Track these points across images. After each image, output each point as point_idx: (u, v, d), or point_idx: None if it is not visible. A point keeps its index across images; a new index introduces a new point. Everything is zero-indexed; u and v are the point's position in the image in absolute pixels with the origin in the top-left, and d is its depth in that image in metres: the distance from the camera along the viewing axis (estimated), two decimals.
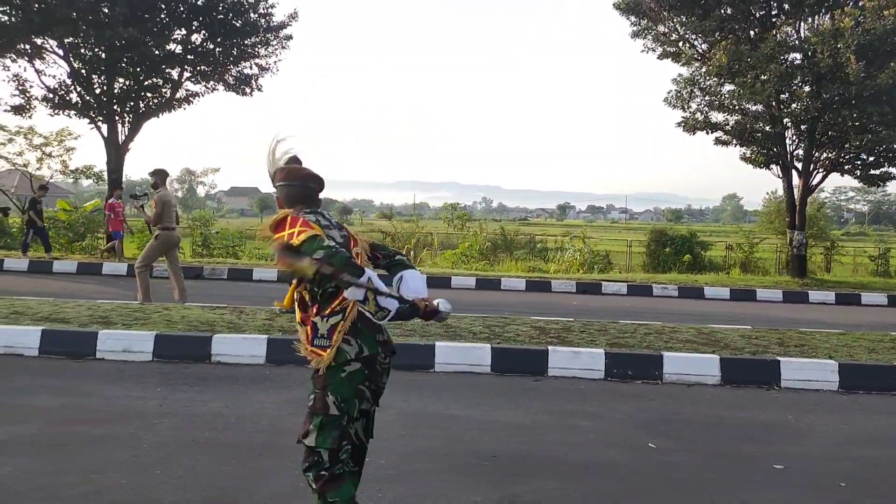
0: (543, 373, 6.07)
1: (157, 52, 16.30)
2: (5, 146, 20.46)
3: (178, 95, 17.22)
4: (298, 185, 2.80)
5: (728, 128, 15.67)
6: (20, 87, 16.92)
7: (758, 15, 15.29)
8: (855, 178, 16.49)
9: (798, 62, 14.03)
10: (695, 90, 15.53)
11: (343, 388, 2.57)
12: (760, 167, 16.51)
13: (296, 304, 2.70)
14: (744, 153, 16.64)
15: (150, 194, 9.42)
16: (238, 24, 16.04)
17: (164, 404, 4.86)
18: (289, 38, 17.68)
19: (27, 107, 16.82)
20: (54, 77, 16.79)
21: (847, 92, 13.36)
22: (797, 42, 14.24)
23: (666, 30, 16.50)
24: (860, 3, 12.88)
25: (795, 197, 16.19)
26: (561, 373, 6.07)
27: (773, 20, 15.19)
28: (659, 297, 14.06)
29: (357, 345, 2.59)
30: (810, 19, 14.55)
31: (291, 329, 6.72)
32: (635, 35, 18.23)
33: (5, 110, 16.82)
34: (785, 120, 15.38)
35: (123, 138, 16.86)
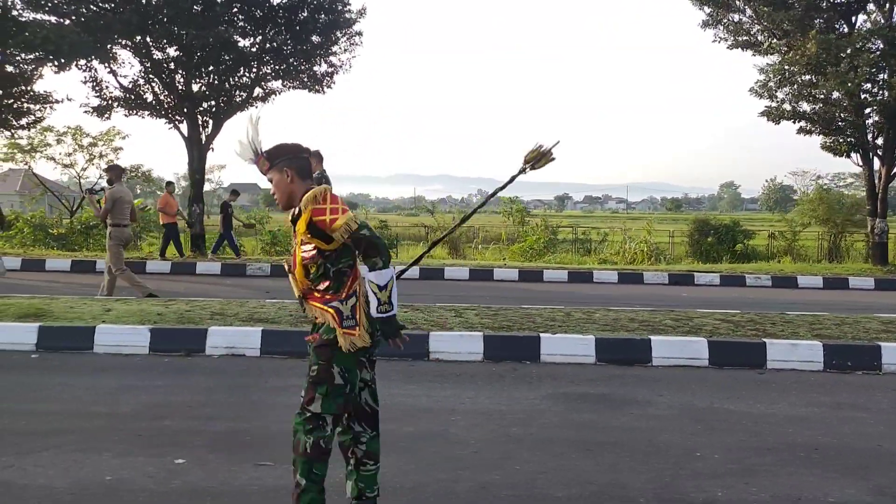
0: (762, 365, 6.06)
1: (238, 50, 16.23)
2: (51, 147, 20.62)
3: (255, 94, 17.16)
4: (305, 157, 2.89)
5: (815, 117, 15.58)
6: (97, 88, 16.92)
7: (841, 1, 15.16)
8: None
9: (881, 50, 13.88)
10: (783, 79, 15.41)
11: (347, 359, 2.73)
12: (842, 156, 16.42)
13: (304, 295, 2.85)
14: (825, 142, 16.55)
15: (104, 190, 9.45)
16: (320, 22, 15.92)
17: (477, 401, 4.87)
18: (359, 34, 17.60)
19: (107, 108, 16.81)
20: (125, 77, 16.77)
21: None
22: (887, 30, 14.12)
23: (745, 19, 16.40)
24: None
25: (877, 185, 16.11)
26: (780, 365, 6.04)
27: (854, 7, 15.09)
28: (753, 286, 14.01)
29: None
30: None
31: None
32: (705, 25, 18.13)
33: (85, 111, 16.84)
34: (867, 109, 15.30)
35: (205, 138, 16.83)
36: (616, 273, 14.60)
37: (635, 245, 21.15)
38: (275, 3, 16.11)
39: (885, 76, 14.30)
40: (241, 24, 15.85)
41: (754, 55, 17.75)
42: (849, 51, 14.32)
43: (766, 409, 4.86)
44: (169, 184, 16.45)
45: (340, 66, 17.44)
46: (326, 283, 2.79)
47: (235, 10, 15.40)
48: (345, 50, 17.31)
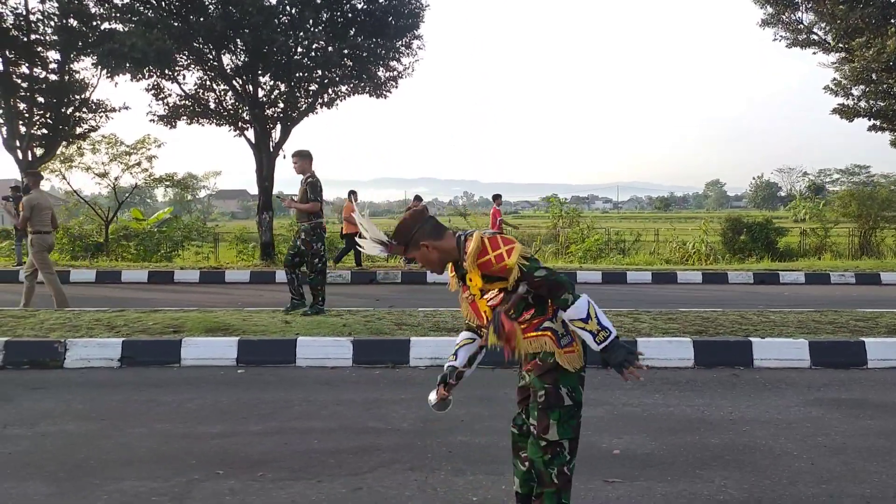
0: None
1: (306, 56, 16.07)
2: (84, 156, 20.42)
3: (321, 99, 16.99)
4: (430, 218, 2.79)
5: (890, 113, 15.59)
6: (160, 96, 16.76)
7: None
8: None
9: None
10: (859, 77, 15.42)
11: (571, 378, 2.64)
12: None
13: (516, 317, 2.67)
14: (895, 138, 16.57)
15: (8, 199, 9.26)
16: (392, 25, 15.75)
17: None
18: (420, 37, 17.43)
19: (173, 115, 16.65)
20: (186, 83, 16.60)
21: None
22: None
23: (814, 18, 16.44)
24: None
25: None
26: None
27: None
28: (837, 283, 13.98)
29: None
30: None
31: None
32: (765, 24, 18.18)
33: (151, 120, 16.68)
34: None
35: (273, 145, 16.66)
36: (700, 273, 14.53)
37: (692, 245, 21.19)
38: (357, 7, 15.91)
39: None
40: (313, 29, 15.64)
41: (815, 53, 17.82)
42: None
43: None
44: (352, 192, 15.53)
45: (405, 70, 17.32)
46: (532, 311, 2.67)
47: (311, 18, 15.17)
48: (408, 54, 17.19)
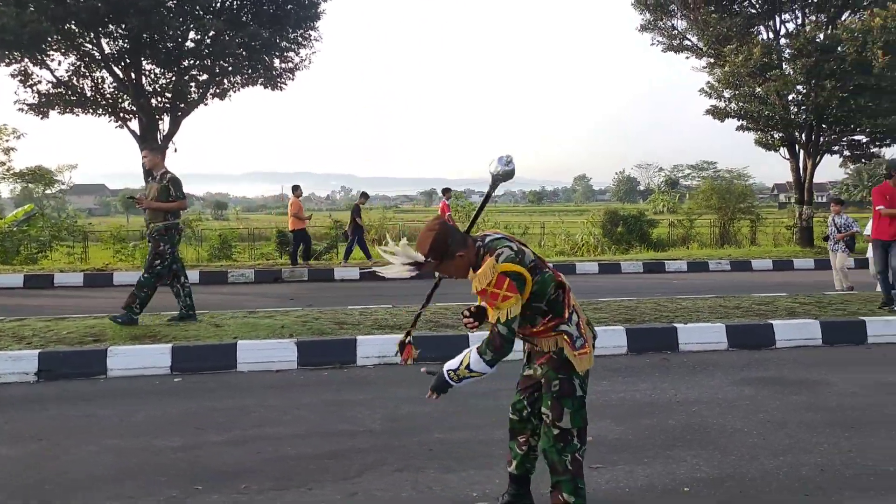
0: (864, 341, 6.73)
1: (188, 44, 15.20)
2: None
3: (213, 90, 16.16)
4: (454, 228, 2.80)
5: (754, 115, 17.08)
6: (27, 83, 15.25)
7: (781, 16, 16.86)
8: (843, 156, 18.56)
9: (815, 57, 15.49)
10: (728, 82, 16.79)
11: (576, 371, 2.78)
12: (772, 150, 18.15)
13: (529, 336, 2.86)
14: (759, 138, 18.20)
15: None
16: (291, 15, 15.21)
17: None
18: (317, 28, 16.98)
19: (44, 105, 15.18)
20: (54, 71, 15.17)
21: (868, 83, 15.07)
22: (821, 39, 15.80)
23: (686, 25, 17.71)
24: (887, 4, 14.57)
25: (802, 176, 17.97)
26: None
27: (788, 18, 16.81)
28: (715, 270, 15.22)
29: (589, 330, 2.88)
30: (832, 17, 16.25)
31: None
32: (644, 29, 19.37)
33: (20, 109, 15.12)
34: (792, 108, 17.02)
35: (162, 136, 15.63)
36: (596, 264, 15.28)
37: (580, 237, 22.22)
38: None
39: (815, 82, 15.95)
40: (207, 16, 14.81)
41: (688, 58, 19.24)
42: (786, 55, 15.88)
43: None
44: (296, 188, 15.05)
45: (301, 62, 16.85)
46: (549, 316, 2.78)
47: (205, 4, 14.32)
48: (306, 46, 16.73)
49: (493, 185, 3.04)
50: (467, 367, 2.77)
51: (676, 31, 18.77)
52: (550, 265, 2.91)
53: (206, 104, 16.66)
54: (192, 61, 15.47)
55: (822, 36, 15.77)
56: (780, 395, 5.10)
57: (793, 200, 19.65)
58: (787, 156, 18.12)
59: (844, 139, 17.73)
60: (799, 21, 17.23)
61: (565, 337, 2.76)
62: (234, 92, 16.61)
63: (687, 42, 18.65)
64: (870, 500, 3.30)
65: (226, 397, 5.12)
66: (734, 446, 4.03)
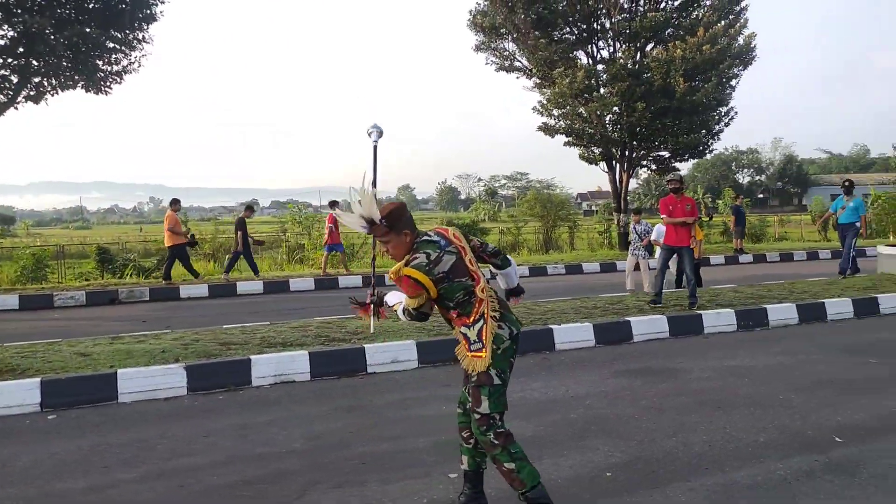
0: (765, 324, 7.72)
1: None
2: None
3: (27, 92, 14.40)
4: (409, 214, 3.14)
5: (579, 132, 18.65)
6: None
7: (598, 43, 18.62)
8: (650, 170, 20.89)
9: (628, 83, 17.35)
10: (556, 102, 18.18)
11: (501, 361, 3.07)
12: (594, 164, 19.93)
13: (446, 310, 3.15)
14: (582, 153, 19.89)
15: None
16: (119, 10, 14.00)
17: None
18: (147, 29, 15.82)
19: None
20: None
21: (671, 105, 17.15)
22: (634, 66, 17.69)
23: (516, 48, 18.96)
24: (686, 39, 16.66)
25: (619, 187, 19.94)
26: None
27: (603, 45, 18.65)
28: (553, 274, 16.42)
29: (507, 328, 3.11)
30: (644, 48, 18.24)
31: None
32: (478, 49, 20.41)
33: None
34: (609, 126, 18.86)
35: None
36: None
37: None
38: None
39: (627, 104, 17.81)
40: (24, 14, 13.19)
41: (518, 78, 20.58)
42: (603, 79, 17.62)
43: (769, 361, 6.43)
44: (175, 202, 14.15)
45: (130, 65, 15.58)
46: (456, 312, 3.09)
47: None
48: (137, 48, 15.49)
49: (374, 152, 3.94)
50: (399, 303, 3.20)
51: (508, 53, 20.00)
52: (477, 274, 3.12)
53: (16, 108, 14.86)
54: (2, 59, 13.71)
55: (631, 63, 17.68)
56: (652, 383, 5.73)
57: (595, 209, 21.69)
58: (606, 169, 20.03)
59: (652, 155, 19.97)
60: (612, 49, 19.16)
61: (463, 339, 3.09)
62: (53, 95, 14.96)
63: (518, 63, 19.95)
64: (753, 467, 3.86)
65: (118, 431, 4.71)
66: (632, 432, 4.50)
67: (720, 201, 45.39)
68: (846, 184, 12.27)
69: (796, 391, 5.39)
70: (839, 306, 8.59)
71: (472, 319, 3.06)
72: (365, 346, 6.35)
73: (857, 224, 11.67)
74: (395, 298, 3.31)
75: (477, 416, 3.04)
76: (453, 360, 6.43)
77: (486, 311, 3.05)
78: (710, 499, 3.46)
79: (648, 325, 7.48)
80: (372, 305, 3.49)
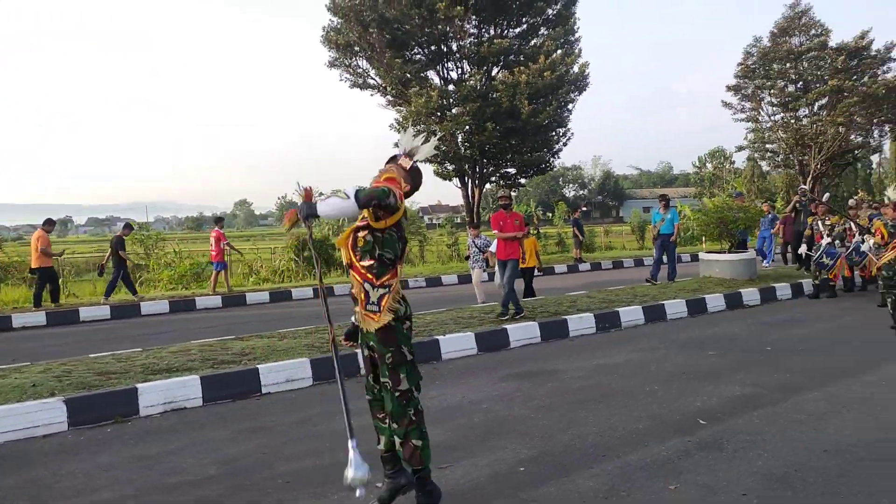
0: (616, 327, 8.42)
1: None
2: None
3: None
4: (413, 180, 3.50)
5: (437, 149, 19.26)
6: None
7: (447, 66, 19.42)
8: (498, 186, 22.09)
9: (479, 104, 18.28)
10: (415, 119, 18.66)
11: (407, 339, 3.30)
12: (448, 180, 20.66)
13: (359, 256, 3.26)
14: (437, 169, 20.55)
15: None
16: None
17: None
18: None
19: None
20: None
21: (517, 126, 18.32)
22: (483, 88, 18.64)
23: (369, 66, 19.26)
24: (530, 65, 17.88)
25: (472, 202, 20.86)
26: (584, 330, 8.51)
27: (452, 67, 19.50)
28: (415, 287, 16.81)
29: (405, 306, 3.32)
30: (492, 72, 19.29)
31: None
32: (332, 65, 20.45)
33: None
34: (461, 144, 19.71)
35: None
36: (266, 293, 15.58)
37: (281, 262, 22.14)
38: None
39: (478, 123, 18.75)
40: None
41: (373, 95, 20.89)
42: (454, 100, 18.43)
43: (645, 356, 7.17)
44: (49, 221, 13.21)
45: None
46: (371, 262, 3.21)
47: None
48: None
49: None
50: (338, 192, 2.99)
51: (361, 70, 20.23)
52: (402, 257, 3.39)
53: None
54: None
55: (481, 86, 18.67)
56: (537, 385, 6.21)
57: (437, 222, 22.78)
58: (460, 185, 20.89)
59: (500, 171, 21.14)
60: (461, 71, 20.07)
61: (363, 295, 3.26)
62: None
63: (371, 81, 20.23)
64: (640, 451, 4.39)
65: (1, 475, 4.30)
66: (532, 430, 4.90)
67: (550, 214, 48.77)
68: (663, 198, 13.75)
69: (657, 383, 6.11)
70: (676, 307, 9.74)
71: (379, 282, 3.23)
72: (258, 366, 6.25)
73: (673, 234, 13.30)
74: (324, 202, 3.06)
75: (397, 394, 3.23)
76: (347, 376, 6.55)
77: (393, 285, 3.26)
78: (612, 481, 3.91)
79: (523, 332, 8.03)
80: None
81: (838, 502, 3.54)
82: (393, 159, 3.46)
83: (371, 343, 3.31)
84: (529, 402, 5.64)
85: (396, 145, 3.61)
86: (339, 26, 19.21)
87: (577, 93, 19.61)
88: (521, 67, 17.81)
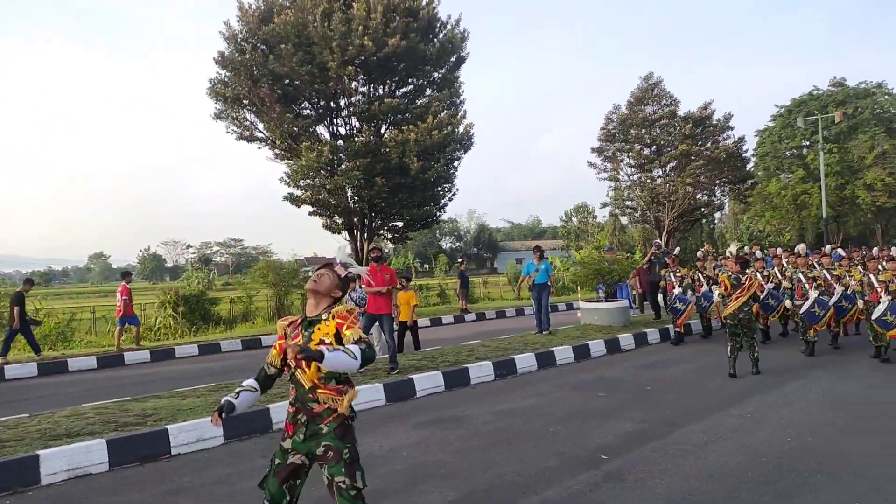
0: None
1: None
2: None
3: None
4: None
5: (325, 202, 19.33)
6: None
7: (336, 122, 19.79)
8: (387, 239, 22.44)
9: (369, 159, 18.68)
10: (304, 174, 18.70)
11: (354, 435, 3.27)
12: (337, 232, 20.74)
13: (324, 381, 3.21)
14: (325, 222, 20.57)
15: None
16: None
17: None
18: None
19: None
20: None
21: (406, 182, 18.89)
22: (373, 145, 19.06)
23: (256, 119, 19.25)
24: (419, 124, 18.58)
25: (360, 256, 20.97)
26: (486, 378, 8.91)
27: (341, 123, 19.92)
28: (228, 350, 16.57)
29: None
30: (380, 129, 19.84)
31: None
32: (217, 117, 20.19)
33: None
34: (350, 198, 19.96)
35: None
36: (240, 340, 15.05)
37: (156, 319, 20.98)
38: None
39: (368, 178, 19.09)
40: None
41: (261, 148, 20.78)
42: (342, 155, 18.75)
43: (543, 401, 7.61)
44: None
45: None
46: (337, 386, 3.23)
47: None
48: None
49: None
50: (342, 348, 2.98)
51: (249, 123, 20.11)
52: None
53: None
54: None
55: (371, 142, 19.13)
56: (449, 430, 6.48)
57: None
58: (349, 238, 21.01)
59: (388, 224, 21.53)
60: (349, 127, 20.48)
61: (344, 397, 3.21)
62: None
63: (259, 134, 20.14)
64: (556, 486, 4.77)
65: None
66: (454, 473, 5.16)
67: (427, 266, 49.75)
68: (538, 250, 14.02)
69: (559, 423, 6.58)
70: (564, 353, 10.42)
71: (341, 396, 3.20)
72: (168, 426, 6.07)
73: (549, 284, 13.55)
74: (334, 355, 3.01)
75: (353, 493, 3.08)
76: (259, 433, 6.51)
77: (349, 392, 3.24)
78: None
79: (428, 381, 8.30)
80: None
81: None
82: (328, 265, 3.50)
83: (328, 443, 3.15)
84: (445, 447, 5.90)
85: (338, 255, 3.61)
86: (226, 79, 19.08)
87: (462, 151, 20.60)
88: (411, 126, 18.51)
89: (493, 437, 6.17)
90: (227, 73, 18.97)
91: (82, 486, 5.19)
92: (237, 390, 3.35)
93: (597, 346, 11.11)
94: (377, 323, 9.41)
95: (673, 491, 4.59)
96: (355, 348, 2.99)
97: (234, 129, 20.05)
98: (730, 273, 9.12)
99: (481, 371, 9.03)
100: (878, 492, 4.48)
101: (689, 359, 10.45)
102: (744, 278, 8.92)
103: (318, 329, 3.20)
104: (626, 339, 11.76)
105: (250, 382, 3.39)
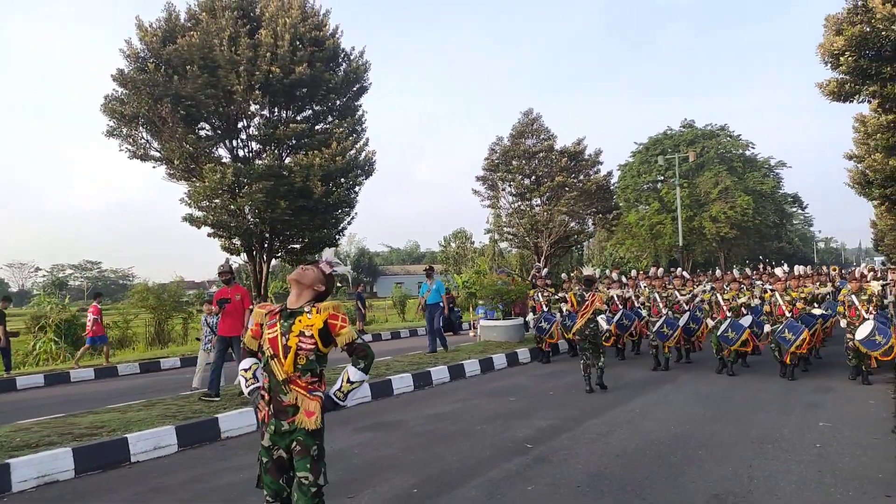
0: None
1: None
2: None
3: None
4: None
5: (226, 224, 19.19)
6: None
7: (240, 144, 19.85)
8: (285, 261, 22.54)
9: (273, 182, 18.84)
10: (207, 196, 18.51)
11: (324, 435, 3.33)
12: (236, 254, 20.59)
13: (300, 374, 3.30)
14: (224, 244, 20.36)
15: None
16: None
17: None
18: None
19: None
20: None
21: (309, 205, 19.28)
22: (276, 167, 19.25)
23: (151, 138, 18.93)
24: (323, 149, 19.07)
25: (259, 277, 20.95)
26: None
27: (241, 145, 20.02)
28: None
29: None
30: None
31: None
32: (110, 134, 19.59)
33: None
34: (253, 221, 19.98)
35: None
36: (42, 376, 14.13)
37: (39, 344, 19.75)
38: None
39: (271, 200, 19.23)
40: None
41: (155, 167, 20.34)
42: (244, 178, 18.83)
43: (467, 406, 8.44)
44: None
45: None
46: (312, 379, 3.32)
47: None
48: None
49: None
50: (348, 381, 3.31)
51: (143, 141, 19.64)
52: None
53: None
54: None
55: (273, 164, 19.36)
56: (388, 433, 7.19)
57: (185, 298, 23.03)
58: (248, 259, 20.93)
59: (287, 247, 21.68)
60: (249, 150, 20.56)
61: (319, 400, 3.32)
62: None
63: (153, 153, 19.70)
64: (495, 469, 5.63)
65: None
66: (405, 465, 5.88)
67: None
68: (429, 270, 14.39)
69: (483, 423, 7.48)
70: (472, 366, 11.38)
71: (323, 387, 3.39)
72: (126, 436, 6.32)
73: (441, 304, 13.66)
74: (337, 384, 3.36)
75: (314, 490, 3.16)
76: (209, 441, 6.87)
77: (323, 388, 3.40)
78: (488, 489, 5.10)
79: (357, 391, 8.92)
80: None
81: (638, 484, 5.14)
82: (314, 263, 3.74)
83: (299, 438, 3.25)
84: (390, 446, 6.61)
85: (321, 257, 4.01)
86: (122, 97, 18.59)
87: (364, 177, 21.25)
88: (315, 151, 18.96)
89: (431, 437, 6.94)
90: (125, 91, 18.51)
91: (55, 491, 5.39)
92: (252, 371, 3.44)
93: (499, 360, 12.19)
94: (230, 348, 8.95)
95: (590, 467, 5.60)
96: (353, 371, 3.32)
97: (128, 147, 19.50)
98: (577, 291, 9.79)
99: (403, 382, 9.77)
100: (741, 460, 5.74)
101: (576, 370, 11.73)
102: (587, 296, 9.39)
103: (299, 321, 3.29)
104: (523, 353, 12.94)
105: (251, 360, 3.50)
